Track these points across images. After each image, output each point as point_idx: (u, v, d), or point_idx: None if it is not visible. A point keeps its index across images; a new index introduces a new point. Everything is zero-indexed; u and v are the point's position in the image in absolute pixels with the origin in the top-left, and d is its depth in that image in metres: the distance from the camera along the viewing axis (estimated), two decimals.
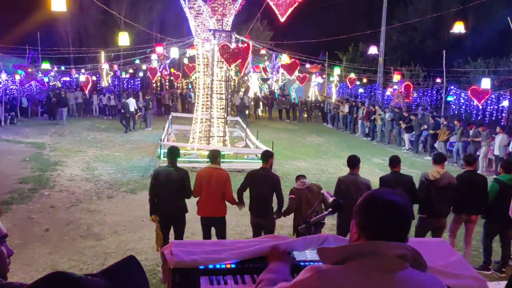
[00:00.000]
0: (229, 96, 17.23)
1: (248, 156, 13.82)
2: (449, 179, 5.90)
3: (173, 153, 6.03)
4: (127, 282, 1.38)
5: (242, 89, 31.77)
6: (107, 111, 25.14)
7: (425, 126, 16.34)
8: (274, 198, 6.07)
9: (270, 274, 1.86)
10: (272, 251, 2.03)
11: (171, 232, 6.01)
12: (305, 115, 28.19)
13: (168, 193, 5.80)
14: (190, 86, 31.65)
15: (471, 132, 14.45)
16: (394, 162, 6.17)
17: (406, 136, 17.79)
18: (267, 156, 6.17)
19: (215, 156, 6.15)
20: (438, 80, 23.03)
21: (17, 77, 21.57)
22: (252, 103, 28.52)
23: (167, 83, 33.56)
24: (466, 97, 18.72)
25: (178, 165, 6.07)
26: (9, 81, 21.74)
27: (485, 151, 13.91)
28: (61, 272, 1.18)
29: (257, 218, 6.02)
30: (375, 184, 6.28)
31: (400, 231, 1.53)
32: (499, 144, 13.31)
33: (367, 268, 1.44)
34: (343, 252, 1.50)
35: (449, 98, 20.16)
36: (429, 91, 23.32)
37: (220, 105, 14.23)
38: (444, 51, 19.01)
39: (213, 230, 6.08)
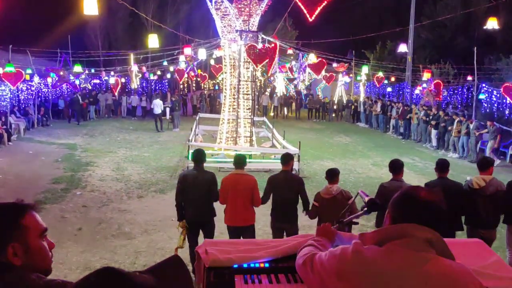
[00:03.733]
0: (256, 96, 17.23)
1: (275, 156, 13.80)
2: (497, 186, 5.36)
3: (199, 155, 5.87)
4: (173, 281, 1.40)
5: (268, 89, 31.78)
6: (137, 112, 25.52)
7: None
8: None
9: (316, 243, 2.00)
10: (323, 227, 2.18)
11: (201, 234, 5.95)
12: (333, 115, 27.97)
13: (196, 196, 5.66)
14: (217, 87, 31.85)
15: (471, 126, 15.00)
16: (443, 167, 5.62)
17: (432, 133, 17.64)
18: (288, 159, 5.97)
19: (240, 161, 5.86)
20: (469, 77, 22.48)
21: (49, 80, 22.16)
22: (281, 102, 28.49)
23: (194, 84, 33.86)
24: (498, 95, 18.21)
25: (206, 165, 6.02)
26: (42, 84, 22.33)
27: (491, 145, 14.36)
28: (110, 267, 1.21)
29: (281, 223, 5.82)
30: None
31: (433, 226, 1.62)
32: None
33: (399, 247, 1.57)
34: (379, 234, 1.65)
35: (481, 96, 19.65)
36: (460, 89, 22.79)
37: (247, 106, 14.26)
38: (475, 48, 18.55)
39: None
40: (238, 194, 5.63)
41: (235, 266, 2.02)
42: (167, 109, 21.14)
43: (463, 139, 15.28)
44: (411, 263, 1.53)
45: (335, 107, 27.95)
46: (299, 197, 5.86)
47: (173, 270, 1.44)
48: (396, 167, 5.60)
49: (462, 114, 16.68)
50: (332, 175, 5.61)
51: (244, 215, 5.70)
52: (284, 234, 5.81)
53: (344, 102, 28.58)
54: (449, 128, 16.29)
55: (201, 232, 5.93)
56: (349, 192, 5.70)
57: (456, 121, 15.84)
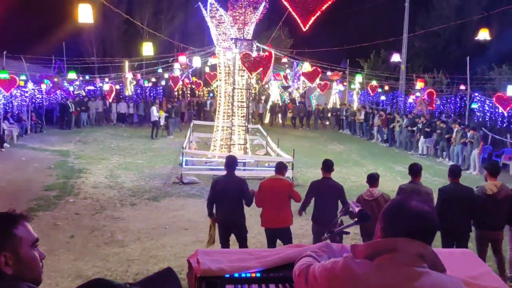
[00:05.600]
0: (249, 104, 17.27)
1: (269, 164, 13.81)
2: (506, 191, 5.75)
3: (231, 162, 6.12)
4: None
5: (263, 97, 31.87)
6: (126, 119, 25.48)
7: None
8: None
9: (314, 254, 1.97)
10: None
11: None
12: (327, 122, 28.07)
13: (227, 201, 5.89)
14: (211, 94, 31.92)
15: (468, 134, 15.18)
16: (455, 173, 5.92)
17: (420, 141, 17.90)
18: (330, 166, 6.26)
19: (281, 167, 6.23)
20: (462, 87, 22.64)
21: (43, 86, 22.08)
22: (268, 109, 28.69)
23: (188, 92, 33.87)
24: (491, 104, 18.35)
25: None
26: (36, 90, 22.25)
27: (475, 153, 14.61)
28: (102, 279, 1.22)
29: (320, 227, 6.01)
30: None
31: (423, 238, 1.59)
32: None
33: (390, 261, 1.53)
34: (369, 248, 1.61)
35: (473, 106, 19.79)
36: (453, 98, 22.96)
37: (241, 113, 14.30)
38: (468, 58, 18.71)
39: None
40: (275, 197, 5.95)
41: (227, 276, 2.03)
42: (163, 115, 21.06)
43: (458, 148, 15.47)
44: (402, 278, 1.51)
45: (321, 115, 28.09)
46: (339, 202, 6.17)
47: (165, 282, 1.44)
48: (414, 170, 6.00)
49: (459, 123, 16.87)
50: (374, 179, 6.19)
51: (281, 217, 5.98)
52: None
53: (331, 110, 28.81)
54: (446, 136, 16.53)
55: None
56: (389, 196, 6.02)
57: (455, 130, 15.87)
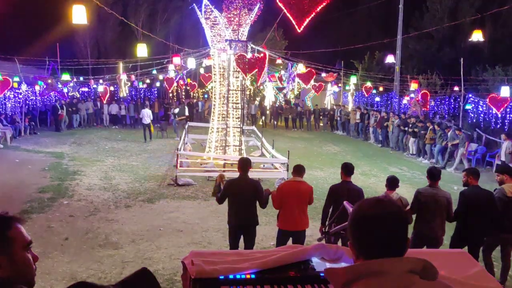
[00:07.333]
0: (245, 105, 17.29)
1: (264, 165, 13.83)
2: None
3: (244, 163, 6.08)
4: None
5: (258, 98, 31.89)
6: (119, 121, 25.37)
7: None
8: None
9: None
10: None
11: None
12: (320, 123, 28.15)
13: (240, 203, 5.89)
14: (206, 96, 31.89)
15: (449, 134, 15.59)
16: (476, 175, 5.98)
17: (410, 142, 18.19)
18: (351, 169, 6.22)
19: (300, 169, 6.19)
20: (456, 88, 22.77)
21: (37, 88, 22.00)
22: (259, 111, 28.77)
23: (183, 93, 33.83)
24: (484, 106, 18.45)
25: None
26: (29, 92, 22.15)
27: (461, 152, 15.10)
28: (84, 282, 1.22)
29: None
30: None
31: (397, 241, 1.44)
32: (505, 151, 13.68)
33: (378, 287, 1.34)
34: (348, 273, 1.41)
35: (467, 107, 19.89)
36: (447, 100, 23.05)
37: (236, 115, 14.29)
38: (462, 59, 18.81)
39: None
40: (296, 200, 5.91)
41: (221, 277, 2.02)
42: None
43: (438, 147, 16.01)
44: None
45: (312, 115, 28.17)
46: None
47: (143, 282, 1.45)
48: (434, 174, 5.94)
49: (438, 122, 17.26)
50: (393, 184, 6.14)
51: (301, 220, 5.96)
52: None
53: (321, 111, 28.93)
54: (422, 132, 17.05)
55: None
56: (407, 200, 6.06)
57: (429, 128, 16.42)
